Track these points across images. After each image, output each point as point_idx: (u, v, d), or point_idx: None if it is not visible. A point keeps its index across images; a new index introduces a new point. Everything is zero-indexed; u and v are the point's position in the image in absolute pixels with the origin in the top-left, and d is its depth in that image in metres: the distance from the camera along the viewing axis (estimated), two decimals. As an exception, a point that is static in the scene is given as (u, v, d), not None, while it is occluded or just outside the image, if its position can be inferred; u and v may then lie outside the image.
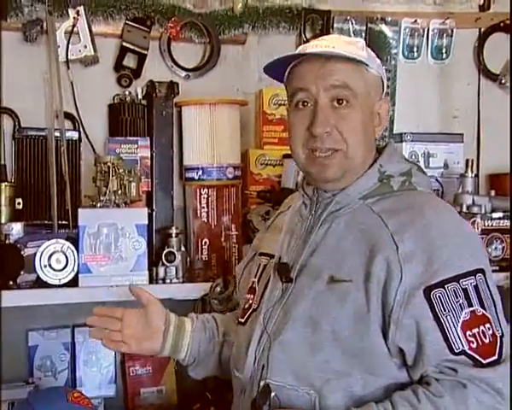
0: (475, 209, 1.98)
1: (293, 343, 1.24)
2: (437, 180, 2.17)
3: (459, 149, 2.24)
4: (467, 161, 2.08)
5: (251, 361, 1.29)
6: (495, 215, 1.99)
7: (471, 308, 1.16)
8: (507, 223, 1.98)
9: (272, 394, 1.23)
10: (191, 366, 1.50)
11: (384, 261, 1.19)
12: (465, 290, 1.16)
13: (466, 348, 1.14)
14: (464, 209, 1.99)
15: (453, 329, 1.14)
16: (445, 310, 1.15)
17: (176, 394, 2.12)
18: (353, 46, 1.28)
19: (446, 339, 1.14)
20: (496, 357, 1.15)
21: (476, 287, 1.17)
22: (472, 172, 2.05)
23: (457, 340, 1.14)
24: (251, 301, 1.39)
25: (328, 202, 1.30)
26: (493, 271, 1.91)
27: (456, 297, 1.16)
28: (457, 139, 2.25)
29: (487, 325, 1.16)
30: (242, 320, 1.39)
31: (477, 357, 1.14)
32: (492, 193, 2.07)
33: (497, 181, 2.30)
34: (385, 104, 1.33)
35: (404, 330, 1.17)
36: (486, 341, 1.15)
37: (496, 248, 1.98)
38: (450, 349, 1.14)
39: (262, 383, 1.24)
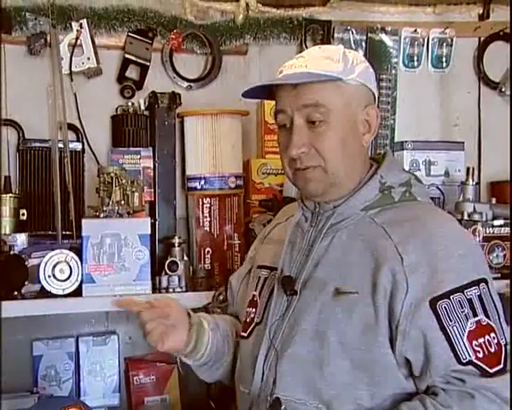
0: (476, 217, 1.99)
1: (301, 357, 1.24)
2: (438, 188, 2.18)
3: (460, 156, 2.25)
4: (468, 168, 2.09)
5: (259, 376, 1.29)
6: (496, 223, 2.00)
7: (476, 318, 1.16)
8: (508, 230, 1.99)
9: (282, 407, 1.23)
10: (205, 366, 1.44)
11: (389, 273, 1.19)
12: (470, 300, 1.17)
13: (473, 357, 1.14)
14: (465, 217, 1.99)
15: (459, 339, 1.15)
16: (451, 320, 1.15)
17: (180, 403, 2.12)
18: (329, 60, 1.26)
19: (453, 349, 1.14)
20: (502, 366, 1.15)
21: (480, 297, 1.18)
22: (473, 179, 2.06)
23: (464, 350, 1.14)
24: (253, 315, 1.38)
25: (329, 214, 1.30)
26: (494, 278, 1.92)
27: (462, 307, 1.16)
28: (458, 147, 2.26)
29: (492, 335, 1.16)
30: (245, 334, 1.38)
31: (484, 367, 1.14)
32: (493, 201, 2.08)
33: (497, 189, 2.30)
34: (372, 110, 1.31)
35: (411, 342, 1.17)
36: (492, 350, 1.15)
37: (497, 255, 1.98)
38: (458, 359, 1.14)
39: (272, 398, 1.24)
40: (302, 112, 1.26)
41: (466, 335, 1.15)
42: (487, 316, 1.17)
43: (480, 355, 1.14)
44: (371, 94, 1.32)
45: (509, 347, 1.18)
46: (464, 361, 1.14)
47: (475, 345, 1.14)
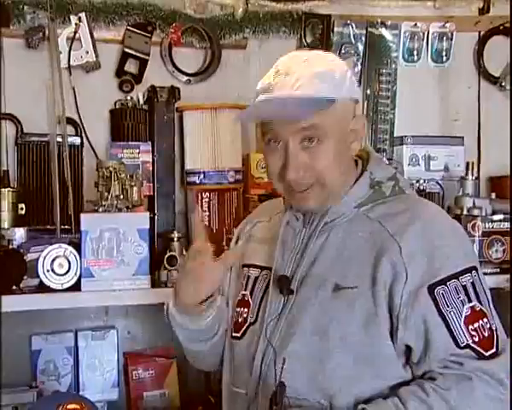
0: (476, 212, 1.99)
1: (301, 354, 1.24)
2: (437, 183, 2.18)
3: (460, 151, 2.25)
4: (467, 163, 2.09)
5: (256, 377, 1.28)
6: (495, 218, 2.00)
7: (471, 304, 1.20)
8: (507, 225, 1.99)
9: (286, 390, 1.22)
10: (198, 334, 1.40)
11: (389, 264, 1.21)
12: (464, 287, 1.20)
13: (470, 341, 1.17)
14: (465, 212, 1.99)
15: (457, 324, 1.18)
16: (448, 306, 1.19)
17: (179, 397, 2.12)
18: (318, 80, 1.22)
19: (451, 334, 1.18)
20: (494, 349, 1.19)
21: (473, 283, 1.22)
22: (472, 174, 2.06)
23: (462, 334, 1.18)
24: (245, 315, 1.36)
25: (323, 213, 1.30)
26: (494, 273, 1.96)
27: (458, 294, 1.19)
28: (458, 142, 2.26)
29: (485, 320, 1.20)
30: (238, 335, 1.37)
31: (480, 350, 1.18)
32: (493, 195, 2.08)
33: (497, 183, 2.30)
34: (360, 120, 1.31)
35: (413, 329, 1.19)
36: (486, 334, 1.19)
37: (496, 250, 1.98)
38: (456, 343, 1.17)
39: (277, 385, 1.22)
40: (299, 134, 1.23)
41: (463, 320, 1.18)
42: (480, 302, 1.21)
43: (476, 339, 1.18)
44: (355, 102, 1.31)
45: (499, 331, 1.21)
46: (462, 345, 1.17)
47: (471, 329, 1.18)
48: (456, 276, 1.20)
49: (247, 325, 1.35)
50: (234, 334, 1.38)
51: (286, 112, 1.22)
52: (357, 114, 1.32)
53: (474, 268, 1.24)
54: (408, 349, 1.21)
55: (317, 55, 1.32)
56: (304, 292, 1.27)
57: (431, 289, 1.19)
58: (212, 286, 1.31)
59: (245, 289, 1.39)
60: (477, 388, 1.15)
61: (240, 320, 1.37)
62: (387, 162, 1.45)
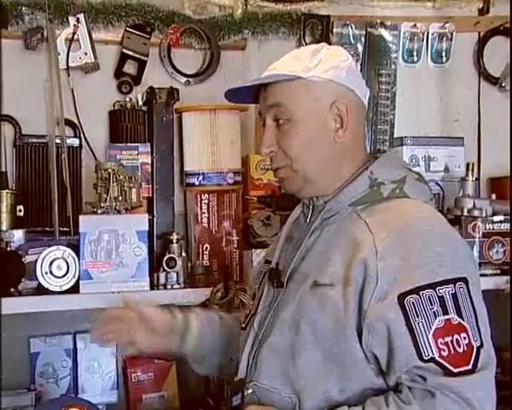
0: (476, 213, 1.98)
1: (278, 346, 1.26)
2: (437, 184, 2.17)
3: (460, 152, 2.24)
4: (467, 164, 2.08)
5: (244, 365, 1.32)
6: (496, 219, 1.99)
7: (446, 316, 1.13)
8: (508, 226, 1.98)
9: (249, 390, 1.27)
10: (196, 362, 1.53)
11: (362, 265, 1.18)
12: (441, 298, 1.14)
13: (436, 355, 1.11)
14: (465, 213, 1.98)
15: (424, 336, 1.12)
16: (417, 316, 1.13)
17: (178, 399, 2.12)
18: (295, 59, 1.28)
19: (416, 345, 1.12)
20: (469, 367, 1.12)
21: (454, 295, 1.15)
22: (473, 175, 2.05)
23: (427, 347, 1.12)
24: (251, 307, 1.41)
25: (320, 209, 1.31)
26: (494, 274, 1.96)
27: (431, 304, 1.14)
28: (458, 143, 2.25)
29: (463, 335, 1.13)
30: (243, 326, 1.42)
31: (447, 365, 1.11)
32: (493, 196, 2.07)
33: (497, 184, 2.30)
34: (341, 105, 1.28)
35: (377, 336, 1.16)
36: (460, 350, 1.12)
37: (497, 251, 1.97)
38: (420, 356, 1.12)
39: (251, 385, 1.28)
40: (270, 112, 1.30)
41: (432, 332, 1.12)
42: (460, 316, 1.14)
43: (445, 354, 1.11)
44: (344, 89, 1.29)
45: (484, 349, 1.14)
46: (426, 358, 1.12)
47: (441, 343, 1.12)
48: (432, 286, 1.14)
49: (249, 316, 1.40)
50: (241, 325, 1.43)
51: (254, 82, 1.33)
52: (338, 99, 1.28)
53: (462, 280, 1.16)
54: (377, 357, 1.18)
55: (311, 46, 1.35)
56: (290, 287, 1.29)
57: (401, 297, 1.14)
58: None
59: (257, 284, 1.44)
60: (439, 405, 1.10)
61: (247, 312, 1.42)
62: (407, 165, 1.37)
